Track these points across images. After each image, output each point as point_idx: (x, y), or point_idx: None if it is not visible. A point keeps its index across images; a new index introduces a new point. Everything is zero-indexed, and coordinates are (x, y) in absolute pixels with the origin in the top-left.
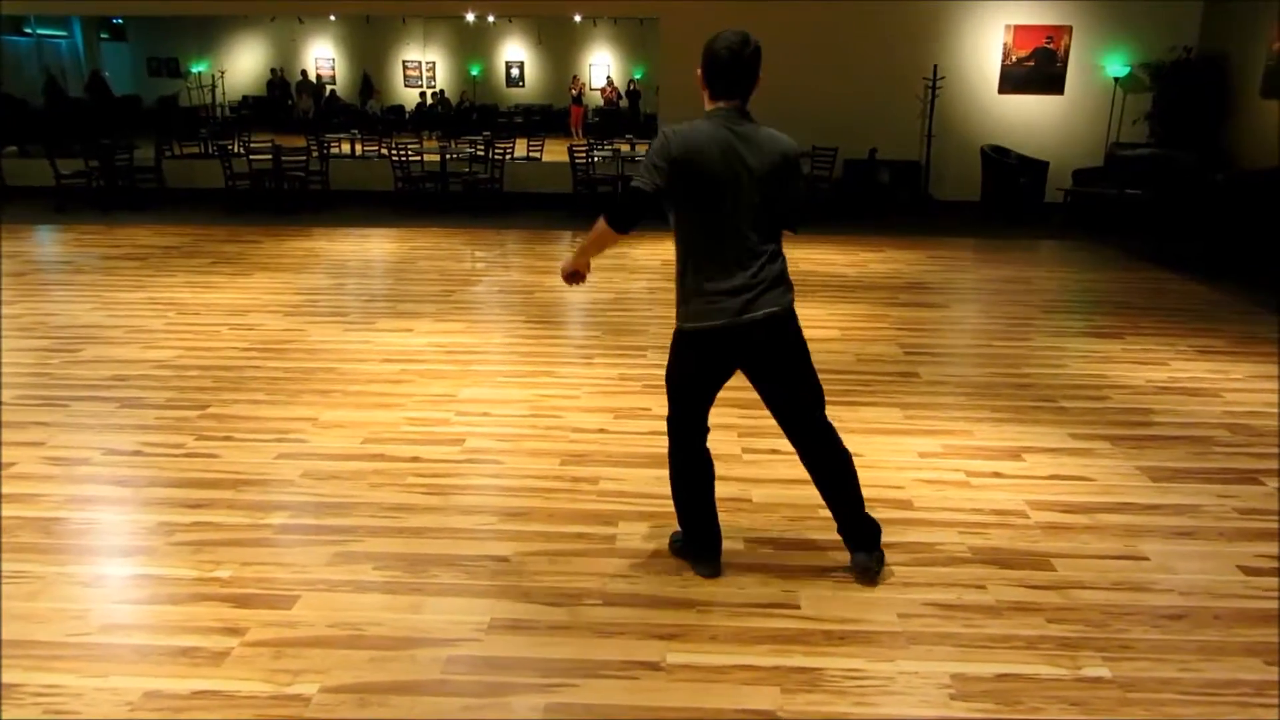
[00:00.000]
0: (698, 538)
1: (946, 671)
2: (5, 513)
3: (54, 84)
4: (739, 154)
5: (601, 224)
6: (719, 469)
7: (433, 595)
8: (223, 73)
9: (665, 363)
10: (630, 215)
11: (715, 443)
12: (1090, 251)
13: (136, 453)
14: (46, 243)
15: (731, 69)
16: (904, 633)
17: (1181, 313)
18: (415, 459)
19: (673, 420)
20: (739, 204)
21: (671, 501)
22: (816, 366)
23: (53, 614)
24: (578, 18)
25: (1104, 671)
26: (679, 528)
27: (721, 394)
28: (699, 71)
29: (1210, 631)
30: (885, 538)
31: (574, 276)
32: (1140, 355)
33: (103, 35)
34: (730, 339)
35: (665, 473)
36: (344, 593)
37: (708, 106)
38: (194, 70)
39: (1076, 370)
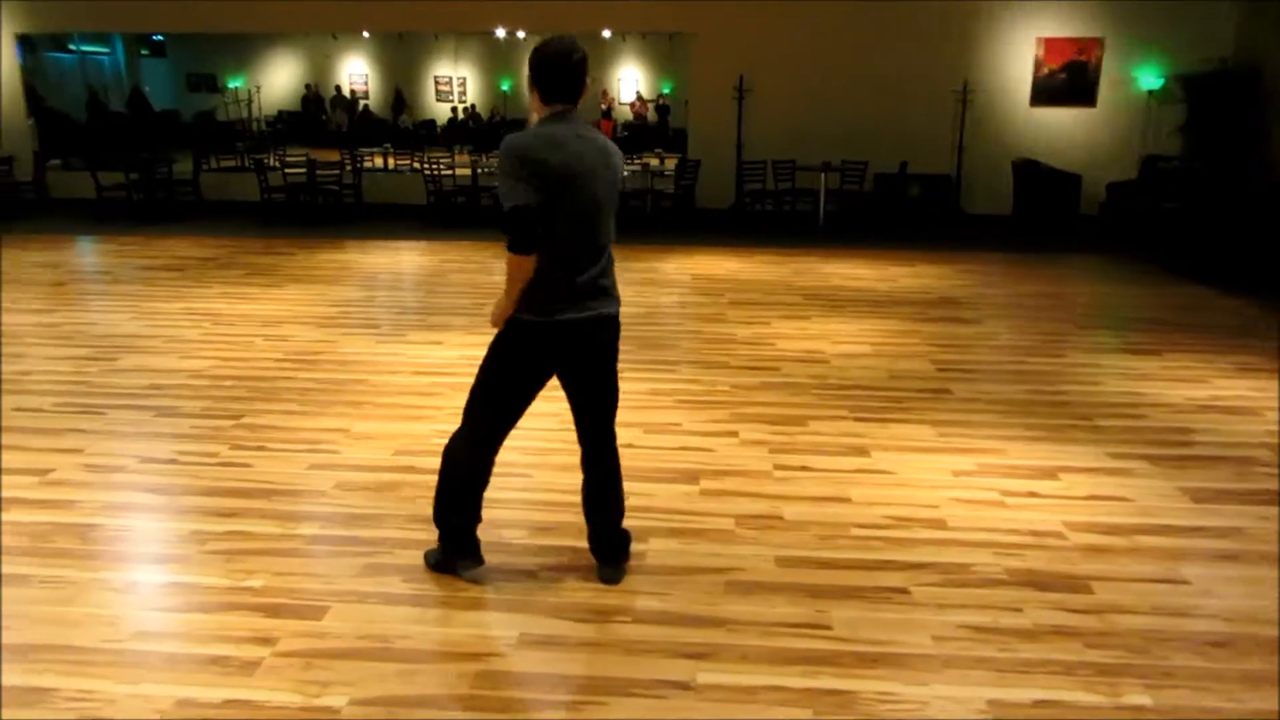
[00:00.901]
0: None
1: (982, 697)
2: (41, 519)
3: (96, 99)
4: (587, 153)
5: (512, 259)
6: (749, 486)
7: (461, 609)
8: (259, 88)
9: (697, 378)
10: (528, 236)
11: (746, 459)
12: (1125, 266)
13: (171, 461)
14: (87, 253)
15: (565, 73)
16: (938, 656)
17: (1220, 329)
18: None
19: (485, 415)
20: (591, 199)
21: (700, 516)
22: (847, 382)
23: (86, 619)
24: (607, 33)
25: (1145, 700)
26: (436, 544)
27: (750, 410)
28: (529, 75)
29: (1255, 660)
30: (919, 557)
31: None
32: (1179, 372)
33: (144, 52)
34: (572, 333)
35: (695, 488)
36: (374, 604)
37: (540, 113)
38: (231, 85)
39: (1113, 388)
